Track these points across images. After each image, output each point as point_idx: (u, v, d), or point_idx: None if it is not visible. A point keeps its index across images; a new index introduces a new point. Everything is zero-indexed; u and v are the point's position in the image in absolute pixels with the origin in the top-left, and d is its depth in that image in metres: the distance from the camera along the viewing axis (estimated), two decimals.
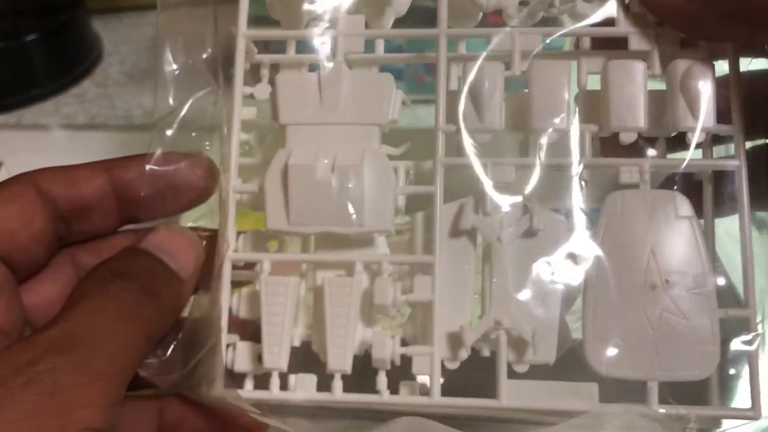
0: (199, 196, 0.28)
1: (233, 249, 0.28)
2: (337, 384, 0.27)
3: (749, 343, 0.26)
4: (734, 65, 0.28)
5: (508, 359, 0.27)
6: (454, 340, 0.27)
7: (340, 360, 0.27)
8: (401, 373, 0.27)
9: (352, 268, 0.28)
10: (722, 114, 0.27)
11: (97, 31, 0.71)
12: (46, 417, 0.21)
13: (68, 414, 0.21)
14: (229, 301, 0.28)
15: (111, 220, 0.28)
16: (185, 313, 0.28)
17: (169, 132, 0.28)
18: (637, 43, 0.28)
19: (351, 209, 0.27)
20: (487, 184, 0.28)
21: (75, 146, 0.61)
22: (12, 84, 0.64)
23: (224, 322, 0.27)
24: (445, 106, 0.28)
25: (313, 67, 0.29)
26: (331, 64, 0.28)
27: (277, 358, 0.27)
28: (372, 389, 0.27)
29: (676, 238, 0.27)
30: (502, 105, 0.28)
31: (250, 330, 0.28)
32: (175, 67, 0.29)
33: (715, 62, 0.28)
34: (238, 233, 0.29)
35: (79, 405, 0.22)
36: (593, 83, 0.29)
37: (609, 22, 0.28)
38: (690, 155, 0.28)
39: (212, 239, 0.28)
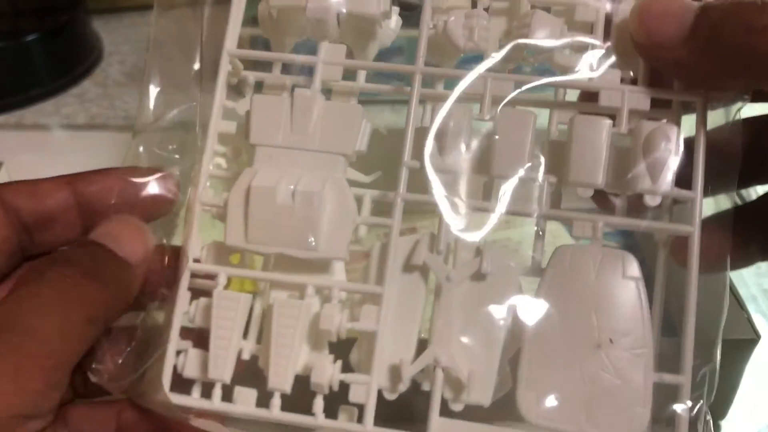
0: (162, 209, 0.29)
1: (193, 259, 0.29)
2: (276, 402, 0.28)
3: (684, 410, 0.27)
4: (702, 122, 0.28)
5: (444, 396, 0.28)
6: (395, 372, 0.28)
7: (281, 379, 0.28)
8: (343, 397, 0.28)
9: (305, 290, 0.28)
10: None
11: (97, 31, 0.72)
12: None
13: None
14: (185, 307, 0.29)
15: (74, 231, 0.29)
16: (140, 321, 0.29)
17: (141, 148, 0.29)
18: (607, 99, 0.28)
19: (308, 234, 0.28)
20: (447, 223, 0.28)
21: (75, 146, 0.61)
22: (12, 84, 0.65)
23: (175, 329, 0.28)
24: (412, 142, 0.29)
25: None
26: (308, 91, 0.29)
27: (221, 369, 0.28)
28: (310, 410, 0.28)
29: (621, 298, 0.27)
30: (465, 147, 0.28)
31: (205, 339, 0.29)
32: (159, 80, 0.30)
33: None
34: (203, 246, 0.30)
35: (4, 392, 0.22)
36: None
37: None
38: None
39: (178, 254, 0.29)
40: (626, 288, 0.27)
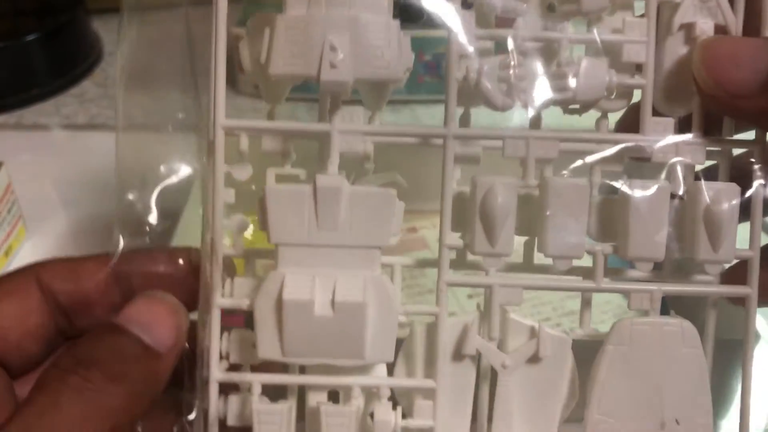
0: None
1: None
2: None
3: None
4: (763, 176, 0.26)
5: None
6: None
7: None
8: None
9: (348, 390, 0.26)
10: None
11: (97, 31, 0.72)
12: None
13: None
14: (218, 350, 0.26)
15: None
16: None
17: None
18: (661, 155, 0.26)
19: (352, 344, 0.25)
20: (495, 303, 0.26)
21: (75, 146, 0.61)
22: (12, 84, 0.64)
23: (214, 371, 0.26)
24: (450, 214, 0.26)
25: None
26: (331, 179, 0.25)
27: None
28: None
29: (684, 372, 0.26)
30: (513, 227, 0.26)
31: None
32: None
33: None
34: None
35: None
36: None
37: None
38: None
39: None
40: (689, 361, 0.26)
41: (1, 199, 0.48)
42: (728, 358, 0.38)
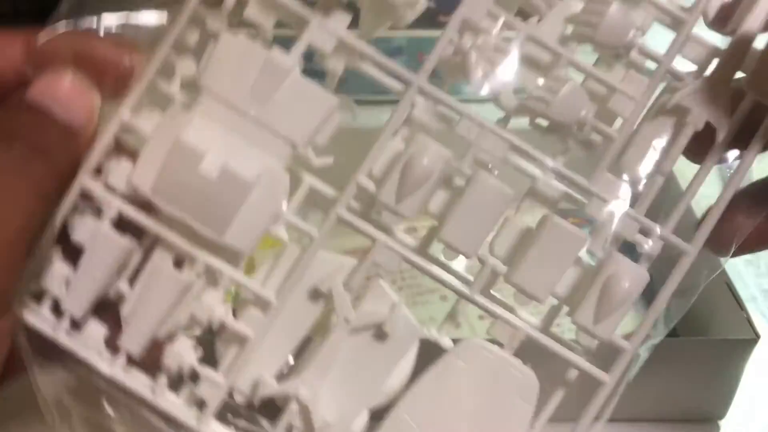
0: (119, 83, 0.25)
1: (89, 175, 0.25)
2: (120, 360, 0.25)
3: None
4: None
5: (294, 426, 0.26)
6: (254, 385, 0.26)
7: (133, 341, 0.25)
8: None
9: (193, 264, 0.25)
10: None
11: None
12: None
13: None
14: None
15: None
16: None
17: None
18: (596, 211, 0.25)
19: (218, 215, 0.24)
20: (369, 257, 0.25)
21: None
22: None
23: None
24: (379, 159, 0.25)
25: None
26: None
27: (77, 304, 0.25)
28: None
29: (503, 418, 0.25)
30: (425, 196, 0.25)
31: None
32: None
33: None
34: None
35: None
36: None
37: None
38: None
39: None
40: (514, 411, 0.25)
41: None
42: (728, 358, 0.38)
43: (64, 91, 0.24)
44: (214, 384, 0.25)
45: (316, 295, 0.26)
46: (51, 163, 0.24)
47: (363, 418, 0.26)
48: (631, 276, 0.24)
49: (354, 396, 0.26)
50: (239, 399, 0.26)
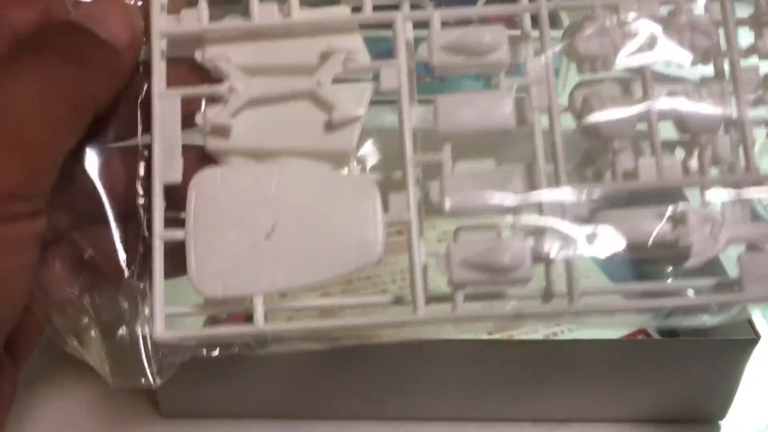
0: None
1: None
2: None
3: None
4: None
5: None
6: None
7: None
8: None
9: None
10: None
11: None
12: None
13: None
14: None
15: None
16: None
17: None
18: None
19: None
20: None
21: None
22: None
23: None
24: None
25: None
26: None
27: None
28: None
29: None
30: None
31: None
32: None
33: None
34: None
35: None
36: None
37: None
38: None
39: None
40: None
41: None
42: (728, 358, 0.38)
43: (109, 14, 0.25)
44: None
45: None
46: (87, 78, 0.25)
47: None
48: None
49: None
50: None
